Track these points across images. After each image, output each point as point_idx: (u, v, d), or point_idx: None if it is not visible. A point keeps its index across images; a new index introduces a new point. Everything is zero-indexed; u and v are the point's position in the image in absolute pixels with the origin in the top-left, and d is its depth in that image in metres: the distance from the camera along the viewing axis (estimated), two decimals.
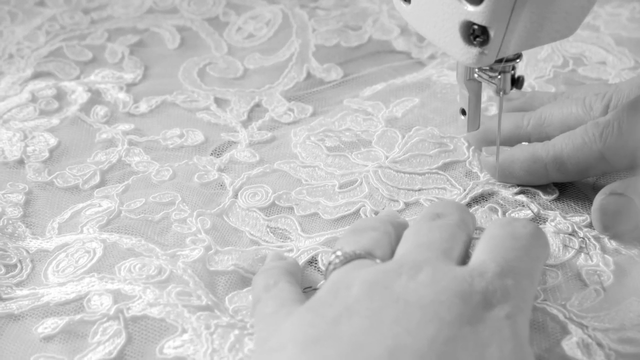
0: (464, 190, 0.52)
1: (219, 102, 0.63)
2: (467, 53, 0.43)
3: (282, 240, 0.50)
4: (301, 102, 0.62)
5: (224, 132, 0.60)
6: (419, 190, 0.53)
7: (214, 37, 0.70)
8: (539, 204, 0.51)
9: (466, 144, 0.56)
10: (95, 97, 0.64)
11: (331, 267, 0.42)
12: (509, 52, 0.44)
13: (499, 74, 0.47)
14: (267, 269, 0.44)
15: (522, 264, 0.40)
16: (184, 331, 0.43)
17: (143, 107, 0.63)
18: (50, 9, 0.74)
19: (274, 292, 0.42)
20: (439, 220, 0.43)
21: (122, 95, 0.64)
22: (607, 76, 0.64)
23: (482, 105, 0.54)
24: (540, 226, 0.49)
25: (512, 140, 0.52)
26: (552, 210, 0.50)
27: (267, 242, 0.50)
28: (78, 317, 0.44)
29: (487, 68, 0.47)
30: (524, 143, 0.52)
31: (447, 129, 0.57)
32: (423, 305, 0.37)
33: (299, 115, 0.61)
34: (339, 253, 0.42)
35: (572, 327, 0.43)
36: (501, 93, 0.48)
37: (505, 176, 0.51)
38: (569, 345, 0.42)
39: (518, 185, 0.52)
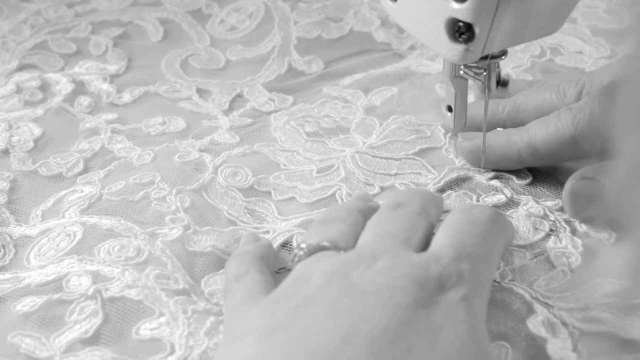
0: (439, 175, 0.53)
1: (201, 92, 0.64)
2: (453, 50, 0.44)
3: (258, 222, 0.51)
4: (282, 93, 0.63)
5: (205, 119, 0.61)
6: (395, 174, 0.54)
7: (197, 30, 0.71)
8: (512, 188, 0.52)
9: (443, 131, 0.57)
10: (79, 88, 0.65)
11: (296, 259, 0.42)
12: (494, 49, 0.45)
13: (485, 70, 0.47)
14: (240, 254, 0.45)
15: (479, 248, 0.41)
16: (161, 314, 0.44)
17: (126, 97, 0.64)
18: (35, 4, 0.75)
19: (244, 281, 0.42)
20: (400, 209, 0.44)
21: (105, 86, 0.65)
22: (583, 65, 0.65)
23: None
24: (513, 210, 0.50)
25: (488, 126, 0.52)
26: (525, 195, 0.52)
27: (244, 222, 0.51)
28: (56, 296, 0.44)
29: (473, 65, 0.48)
30: (498, 129, 0.53)
31: (424, 116, 0.59)
32: (378, 292, 0.37)
33: (279, 105, 0.62)
34: (303, 245, 0.42)
35: (537, 306, 0.44)
36: (486, 90, 0.48)
37: (479, 161, 0.52)
38: (533, 323, 0.43)
39: (493, 171, 0.53)
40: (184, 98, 0.63)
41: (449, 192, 0.52)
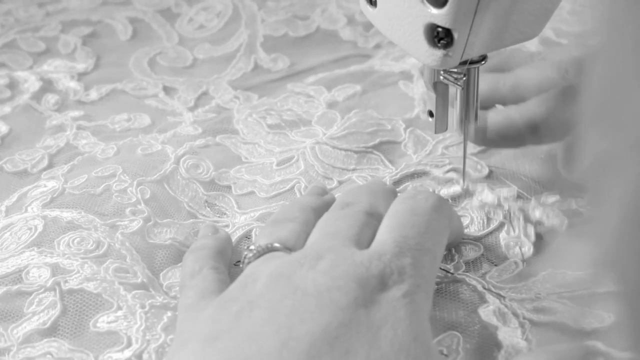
0: (396, 169, 0.54)
1: (167, 90, 0.65)
2: (432, 55, 0.44)
3: (218, 215, 0.52)
4: (247, 91, 0.64)
5: (170, 116, 0.61)
6: (353, 170, 0.55)
7: (166, 28, 0.72)
8: (469, 180, 0.53)
9: (404, 125, 0.58)
10: (47, 85, 0.65)
11: (246, 261, 0.42)
12: (474, 54, 0.45)
13: (464, 75, 0.47)
14: (196, 249, 0.45)
15: (422, 240, 0.40)
16: (119, 308, 0.44)
17: (93, 94, 0.64)
18: (5, 4, 0.75)
19: (197, 280, 0.42)
20: (347, 208, 0.43)
21: (73, 84, 0.65)
22: None
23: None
24: (467, 201, 0.51)
25: (487, 102, 0.52)
26: (480, 183, 0.52)
27: (204, 215, 0.52)
28: (15, 287, 0.45)
29: (453, 70, 0.48)
30: (498, 106, 0.53)
31: (386, 112, 0.59)
32: (319, 293, 0.37)
33: (244, 102, 0.63)
34: (252, 247, 0.42)
35: (489, 297, 0.45)
36: (464, 121, 0.48)
37: (479, 140, 0.51)
38: (485, 312, 0.43)
39: (450, 165, 0.54)
40: (150, 95, 0.64)
41: (406, 184, 0.53)
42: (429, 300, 0.39)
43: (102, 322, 0.44)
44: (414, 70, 0.64)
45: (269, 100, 0.62)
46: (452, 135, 0.55)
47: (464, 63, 0.46)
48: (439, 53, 0.43)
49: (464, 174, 0.52)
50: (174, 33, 0.72)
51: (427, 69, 0.49)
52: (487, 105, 0.52)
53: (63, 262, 0.46)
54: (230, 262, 0.46)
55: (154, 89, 0.64)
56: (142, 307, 0.44)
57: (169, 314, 0.44)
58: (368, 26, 0.70)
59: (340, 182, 0.54)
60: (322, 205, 0.46)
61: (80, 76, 0.67)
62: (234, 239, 0.49)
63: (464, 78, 0.47)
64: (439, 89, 0.49)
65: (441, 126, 0.50)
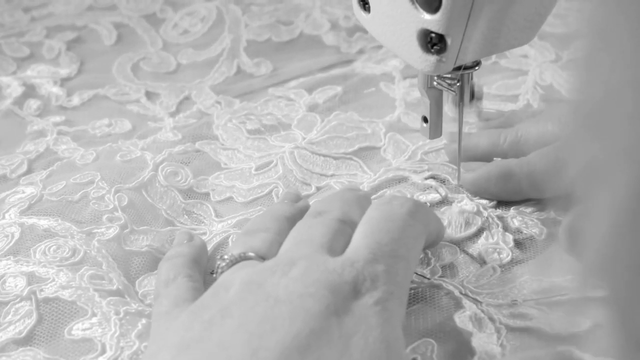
0: (375, 175, 0.54)
1: (149, 95, 0.65)
2: (426, 61, 0.43)
3: (196, 224, 0.52)
4: (228, 96, 0.64)
5: (151, 121, 0.61)
6: (332, 175, 0.55)
7: (150, 34, 0.72)
8: (448, 188, 0.53)
9: (384, 129, 0.58)
10: (30, 91, 0.65)
11: (219, 270, 0.42)
12: (467, 60, 0.44)
13: (458, 81, 0.47)
14: (171, 257, 0.45)
15: (396, 246, 0.40)
16: (94, 315, 0.44)
17: (75, 100, 0.64)
18: None
19: (172, 288, 0.42)
20: (320, 216, 0.43)
21: (55, 89, 0.65)
22: (528, 67, 0.66)
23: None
24: (446, 207, 0.51)
25: (489, 157, 0.53)
26: (460, 194, 0.52)
27: (181, 223, 0.52)
28: None
29: (447, 76, 0.47)
30: (497, 159, 0.53)
31: (367, 114, 0.59)
32: (291, 300, 0.37)
33: (225, 107, 0.63)
34: (225, 256, 0.42)
35: (466, 302, 0.45)
36: (460, 104, 0.48)
37: (480, 192, 0.51)
38: (460, 318, 0.43)
39: (429, 171, 0.54)
40: (132, 101, 0.64)
41: (384, 190, 0.53)
42: (402, 307, 0.39)
43: (77, 329, 0.44)
44: (395, 72, 0.64)
45: (249, 104, 0.62)
46: (432, 141, 0.55)
47: (457, 69, 0.46)
48: (432, 59, 0.43)
49: (459, 165, 0.52)
50: (159, 38, 0.72)
51: (421, 75, 0.49)
52: (489, 160, 0.52)
53: (39, 271, 0.46)
54: (205, 270, 0.46)
55: (136, 94, 0.64)
56: (117, 313, 0.44)
57: (144, 321, 0.44)
58: (351, 31, 0.70)
59: (318, 188, 0.54)
60: (295, 214, 0.46)
61: (63, 81, 0.67)
62: (210, 246, 0.49)
63: (458, 84, 0.47)
64: (433, 94, 0.49)
65: (435, 132, 0.50)
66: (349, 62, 0.67)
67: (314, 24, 0.72)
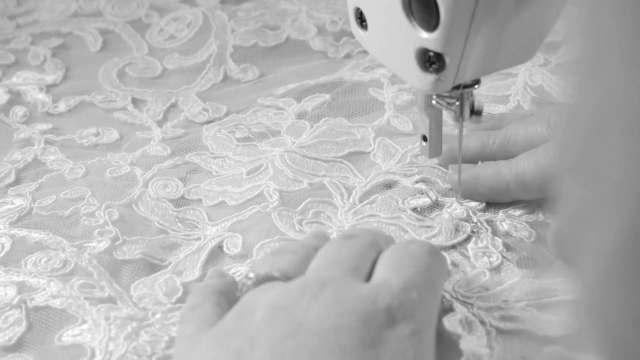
0: (366, 179, 0.54)
1: (136, 102, 0.64)
2: (424, 80, 0.43)
3: (189, 229, 0.52)
4: (216, 102, 0.64)
5: (139, 131, 0.61)
6: (323, 176, 0.55)
7: (136, 39, 0.72)
8: (438, 191, 0.53)
9: (373, 134, 0.58)
10: (15, 98, 0.65)
11: (244, 289, 0.41)
12: (466, 78, 0.44)
13: (457, 100, 0.47)
14: (201, 286, 0.43)
15: (423, 278, 0.40)
16: (84, 322, 0.44)
17: (62, 106, 0.64)
18: None
19: (198, 313, 0.41)
20: (350, 240, 0.42)
21: (41, 96, 0.65)
22: (517, 71, 0.66)
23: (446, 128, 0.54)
24: (437, 213, 0.51)
25: (478, 159, 0.53)
26: (449, 197, 0.53)
27: (175, 230, 0.52)
28: None
29: (446, 94, 0.47)
30: (484, 162, 0.53)
31: (356, 120, 0.60)
32: (323, 332, 0.36)
33: (213, 114, 0.62)
34: (251, 275, 0.41)
35: (457, 305, 0.45)
36: (460, 119, 0.48)
37: (470, 193, 0.52)
38: (450, 321, 0.44)
39: (419, 174, 0.54)
40: (118, 108, 0.64)
41: (376, 195, 0.53)
42: (433, 339, 0.38)
43: (67, 335, 0.44)
44: (383, 79, 0.64)
45: (238, 116, 0.61)
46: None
47: (457, 87, 0.45)
48: (430, 77, 0.42)
49: (459, 175, 0.51)
50: (144, 43, 0.71)
51: (420, 94, 0.48)
52: (477, 162, 0.53)
53: (29, 281, 0.46)
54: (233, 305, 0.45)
55: (122, 101, 0.64)
56: (107, 319, 0.44)
57: (134, 324, 0.44)
58: (338, 36, 0.70)
59: (310, 185, 0.54)
60: (323, 246, 0.44)
61: (49, 88, 0.66)
62: (206, 250, 0.49)
63: (457, 103, 0.46)
64: (432, 113, 0.48)
65: (435, 151, 0.49)
66: (336, 69, 0.67)
67: (300, 29, 0.72)
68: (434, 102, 0.47)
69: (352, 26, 0.47)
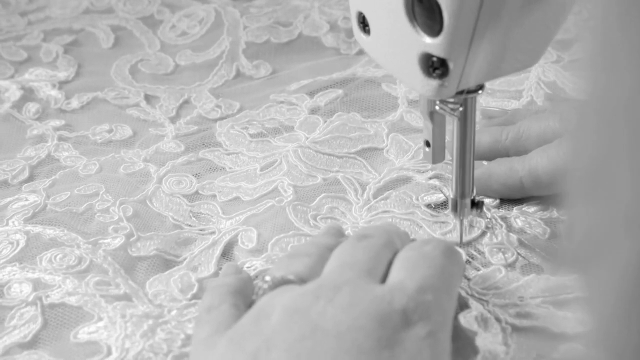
0: (379, 175, 0.54)
1: (149, 98, 0.64)
2: (427, 85, 0.42)
3: (204, 224, 0.52)
4: (229, 99, 0.64)
5: (152, 127, 0.61)
6: (337, 171, 0.55)
7: (148, 35, 0.72)
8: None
9: (386, 130, 0.58)
10: (28, 94, 0.65)
11: (260, 292, 0.41)
12: (470, 84, 0.43)
13: (461, 105, 0.46)
14: (217, 286, 0.43)
15: (438, 280, 0.40)
16: (100, 319, 0.44)
17: (74, 103, 0.64)
18: None
19: (214, 314, 0.41)
20: (365, 240, 0.42)
21: (54, 92, 0.65)
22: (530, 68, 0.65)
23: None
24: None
25: (490, 155, 0.53)
26: None
27: (189, 225, 0.51)
28: None
29: (449, 100, 0.46)
30: (495, 159, 0.53)
31: (368, 115, 0.59)
32: (340, 333, 0.36)
33: (226, 111, 0.62)
34: (267, 278, 0.41)
35: (472, 302, 0.45)
36: (459, 123, 0.47)
37: (483, 190, 0.51)
38: (466, 317, 0.43)
39: (432, 170, 0.54)
40: (131, 105, 0.63)
41: (389, 191, 0.53)
42: (449, 339, 0.38)
43: (83, 332, 0.44)
44: None
45: (251, 112, 0.61)
46: None
47: (460, 93, 0.44)
48: (434, 83, 0.42)
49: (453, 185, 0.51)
50: (156, 40, 0.71)
51: (423, 99, 0.47)
52: (490, 157, 0.52)
53: (45, 278, 0.46)
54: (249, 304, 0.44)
55: (135, 98, 0.64)
56: (123, 316, 0.44)
57: (150, 321, 0.44)
58: (350, 33, 0.70)
59: (325, 180, 0.54)
60: (337, 245, 0.44)
61: (62, 84, 0.66)
62: (221, 245, 0.49)
63: (461, 108, 0.46)
64: (435, 118, 0.48)
65: (439, 156, 0.49)
66: (348, 65, 0.67)
67: (312, 26, 0.72)
68: (437, 107, 0.47)
69: (355, 30, 0.46)
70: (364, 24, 0.45)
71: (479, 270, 0.47)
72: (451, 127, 0.47)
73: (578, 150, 0.27)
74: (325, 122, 0.59)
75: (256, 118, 0.60)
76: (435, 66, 0.41)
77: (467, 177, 0.47)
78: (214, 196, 0.54)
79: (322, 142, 0.57)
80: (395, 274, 0.40)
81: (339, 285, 0.38)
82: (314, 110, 0.61)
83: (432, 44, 0.41)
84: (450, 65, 0.41)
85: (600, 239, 0.26)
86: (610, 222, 0.25)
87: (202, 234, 0.51)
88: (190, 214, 0.52)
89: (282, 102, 0.62)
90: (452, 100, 0.46)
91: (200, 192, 0.54)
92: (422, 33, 0.41)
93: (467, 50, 0.40)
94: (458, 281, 0.43)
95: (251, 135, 0.59)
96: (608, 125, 0.25)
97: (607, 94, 0.25)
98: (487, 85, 0.61)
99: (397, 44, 0.43)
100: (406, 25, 0.42)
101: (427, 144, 0.49)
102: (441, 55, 0.41)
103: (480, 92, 0.45)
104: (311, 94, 0.63)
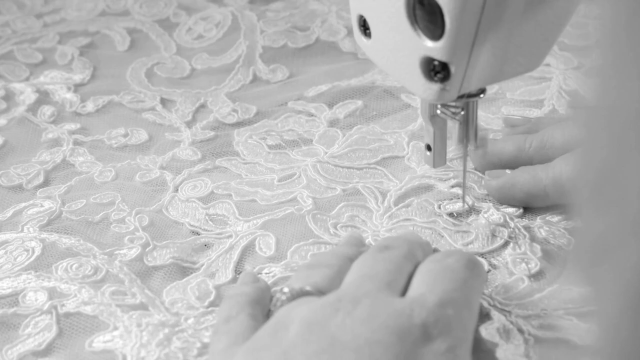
0: (400, 182, 0.53)
1: (165, 102, 0.64)
2: (429, 89, 0.42)
3: (221, 227, 0.51)
4: (245, 103, 0.63)
5: (168, 132, 0.60)
6: (357, 182, 0.54)
7: (164, 38, 0.71)
8: (474, 196, 0.52)
9: (406, 139, 0.57)
10: (43, 97, 0.64)
11: (278, 304, 0.41)
12: (472, 88, 0.43)
13: (462, 109, 0.46)
14: (234, 295, 0.43)
15: (460, 294, 0.39)
16: (115, 328, 0.44)
17: (90, 106, 0.63)
18: (4, 15, 0.75)
19: (232, 325, 0.40)
20: (386, 252, 0.42)
21: (69, 95, 0.64)
22: (551, 75, 0.64)
23: (485, 128, 0.54)
24: (473, 218, 0.50)
25: (514, 163, 0.52)
26: (486, 202, 0.52)
27: (206, 230, 0.51)
28: (12, 310, 0.45)
29: (451, 104, 0.46)
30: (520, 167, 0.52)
31: (389, 126, 0.59)
32: (358, 347, 0.36)
33: (242, 115, 0.62)
34: (285, 290, 0.41)
35: (494, 313, 0.44)
36: (464, 140, 0.47)
37: (507, 199, 0.51)
38: (488, 329, 0.43)
39: (455, 179, 0.53)
40: (147, 108, 0.63)
41: (411, 199, 0.52)
42: (469, 355, 0.38)
43: (98, 341, 0.43)
44: None
45: (269, 122, 0.60)
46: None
47: (462, 97, 0.44)
48: (435, 87, 0.42)
49: (463, 198, 0.51)
50: (172, 43, 0.71)
51: (424, 103, 0.47)
52: (514, 166, 0.52)
53: (60, 287, 0.46)
54: (267, 313, 0.44)
55: (151, 102, 0.63)
56: (139, 325, 0.43)
57: (166, 330, 0.43)
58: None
59: (344, 191, 0.53)
60: (358, 256, 0.44)
61: (77, 87, 0.66)
62: (238, 249, 0.49)
63: (462, 112, 0.46)
64: (436, 122, 0.48)
65: (440, 160, 0.49)
66: (366, 70, 0.66)
67: (330, 30, 0.71)
68: (438, 111, 0.47)
69: (356, 34, 0.46)
70: (364, 27, 0.45)
71: (516, 242, 0.47)
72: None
73: (588, 156, 0.27)
74: (344, 135, 0.58)
75: (274, 128, 0.60)
76: (436, 70, 0.41)
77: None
78: (230, 195, 0.53)
79: (341, 156, 0.56)
80: (415, 287, 0.40)
81: (358, 297, 0.38)
82: (332, 123, 0.60)
83: (433, 48, 0.41)
84: (452, 69, 0.41)
85: (609, 246, 0.26)
86: (619, 228, 0.25)
87: (219, 238, 0.50)
88: (207, 217, 0.52)
89: (300, 111, 0.61)
90: (453, 104, 0.46)
91: (215, 191, 0.53)
92: (423, 37, 0.41)
93: (468, 54, 0.40)
94: (479, 295, 0.42)
95: (269, 147, 0.58)
96: (617, 132, 0.25)
97: (617, 101, 0.25)
98: (508, 95, 0.61)
99: (398, 47, 0.42)
100: (407, 29, 0.41)
101: (429, 147, 0.49)
102: (443, 59, 0.41)
103: (481, 95, 0.45)
104: (330, 104, 0.62)
